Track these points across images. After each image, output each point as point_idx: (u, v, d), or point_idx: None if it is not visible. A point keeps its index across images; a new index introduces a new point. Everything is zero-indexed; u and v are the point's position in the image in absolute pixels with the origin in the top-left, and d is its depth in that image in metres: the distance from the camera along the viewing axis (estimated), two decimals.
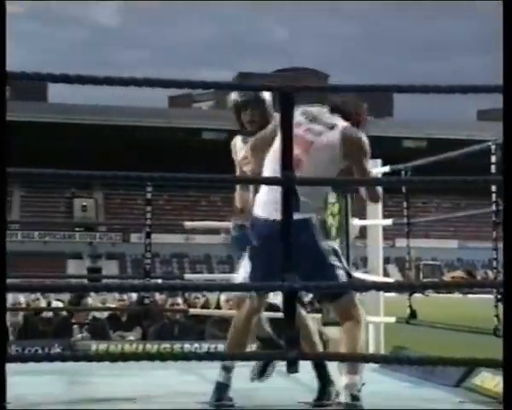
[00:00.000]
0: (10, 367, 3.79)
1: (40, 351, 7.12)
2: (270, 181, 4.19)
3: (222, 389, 4.45)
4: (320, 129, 4.38)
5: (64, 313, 8.98)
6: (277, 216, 4.16)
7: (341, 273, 4.32)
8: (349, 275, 4.42)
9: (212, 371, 5.18)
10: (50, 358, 4.43)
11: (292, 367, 3.94)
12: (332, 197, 6.41)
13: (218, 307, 9.17)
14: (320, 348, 4.84)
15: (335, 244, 4.52)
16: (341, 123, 4.44)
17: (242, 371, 4.50)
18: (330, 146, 4.33)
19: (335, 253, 4.36)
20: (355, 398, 4.18)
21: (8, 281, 5.19)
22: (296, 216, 4.08)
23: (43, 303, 10.13)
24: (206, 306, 10.07)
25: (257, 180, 4.30)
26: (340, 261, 4.37)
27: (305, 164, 4.26)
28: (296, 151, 4.14)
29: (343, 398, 4.21)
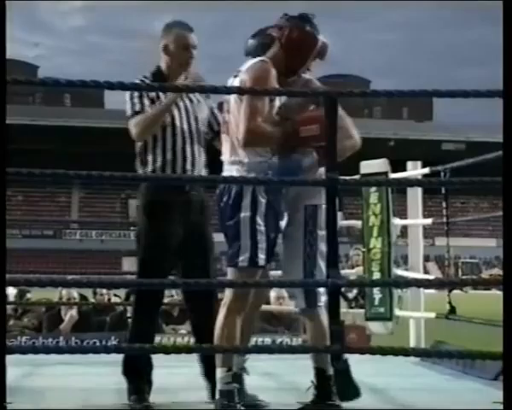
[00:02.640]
0: (72, 358, 3.84)
1: (98, 343, 7.17)
2: (314, 183, 4.17)
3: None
4: (236, 83, 3.97)
5: (121, 307, 9.04)
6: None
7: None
8: (253, 250, 3.85)
9: (260, 363, 5.19)
10: (108, 350, 4.47)
11: (336, 361, 3.93)
12: (374, 198, 6.40)
13: (266, 302, 9.18)
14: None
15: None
16: (248, 63, 3.94)
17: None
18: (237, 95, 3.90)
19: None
20: (223, 394, 3.81)
21: (71, 277, 5.20)
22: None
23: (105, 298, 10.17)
24: None
25: (299, 182, 4.28)
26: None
27: (230, 124, 3.96)
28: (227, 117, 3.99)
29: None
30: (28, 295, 9.99)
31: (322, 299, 4.06)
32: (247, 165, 3.88)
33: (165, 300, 10.46)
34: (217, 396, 3.85)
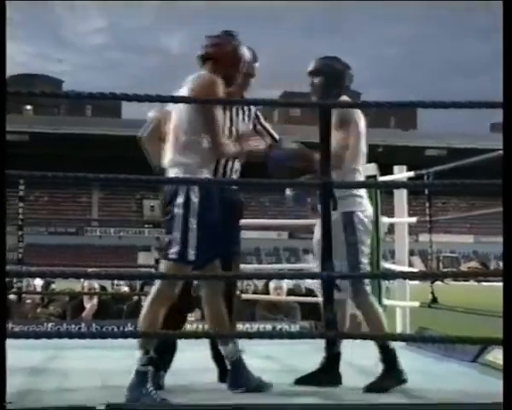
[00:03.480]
0: (93, 343, 3.84)
1: (116, 329, 7.16)
2: (309, 185, 4.17)
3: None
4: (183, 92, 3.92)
5: (136, 297, 9.03)
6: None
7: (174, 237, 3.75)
8: (183, 245, 3.71)
9: (262, 347, 5.19)
10: (125, 335, 4.46)
11: (331, 346, 3.93)
12: None
13: (266, 292, 9.18)
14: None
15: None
16: (193, 75, 3.91)
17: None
18: (183, 106, 3.86)
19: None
20: (138, 374, 3.77)
21: (92, 270, 5.16)
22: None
23: (123, 288, 10.15)
24: (256, 292, 10.06)
25: (294, 183, 4.26)
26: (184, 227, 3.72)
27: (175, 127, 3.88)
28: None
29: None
30: (53, 286, 9.99)
31: (368, 290, 4.20)
32: (185, 167, 3.77)
33: None
34: (132, 376, 3.76)
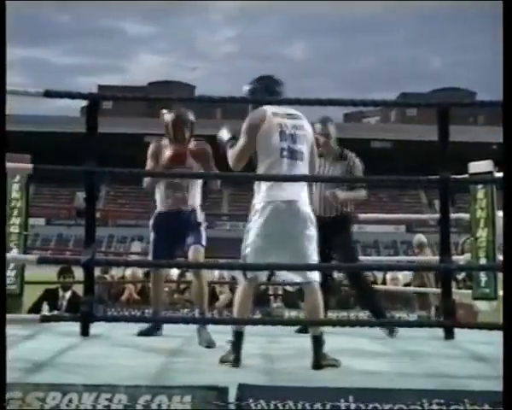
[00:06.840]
0: (225, 328, 3.88)
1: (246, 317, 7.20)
2: (431, 181, 4.08)
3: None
4: None
5: (263, 286, 9.10)
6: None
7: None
8: None
9: (378, 333, 5.13)
10: (253, 322, 4.52)
11: (448, 333, 3.85)
12: (481, 194, 6.27)
13: (383, 283, 9.09)
14: None
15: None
16: None
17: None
18: None
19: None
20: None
21: (223, 261, 5.20)
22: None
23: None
24: (374, 282, 9.96)
25: (401, 180, 4.19)
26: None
27: None
28: None
29: None
30: (188, 275, 10.21)
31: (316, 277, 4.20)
32: None
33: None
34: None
